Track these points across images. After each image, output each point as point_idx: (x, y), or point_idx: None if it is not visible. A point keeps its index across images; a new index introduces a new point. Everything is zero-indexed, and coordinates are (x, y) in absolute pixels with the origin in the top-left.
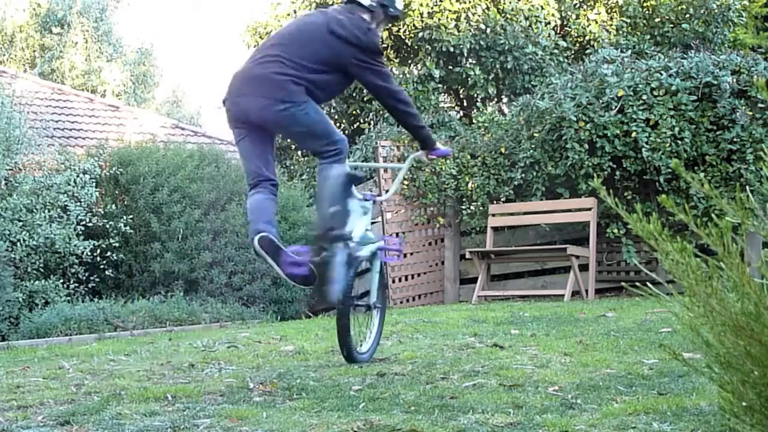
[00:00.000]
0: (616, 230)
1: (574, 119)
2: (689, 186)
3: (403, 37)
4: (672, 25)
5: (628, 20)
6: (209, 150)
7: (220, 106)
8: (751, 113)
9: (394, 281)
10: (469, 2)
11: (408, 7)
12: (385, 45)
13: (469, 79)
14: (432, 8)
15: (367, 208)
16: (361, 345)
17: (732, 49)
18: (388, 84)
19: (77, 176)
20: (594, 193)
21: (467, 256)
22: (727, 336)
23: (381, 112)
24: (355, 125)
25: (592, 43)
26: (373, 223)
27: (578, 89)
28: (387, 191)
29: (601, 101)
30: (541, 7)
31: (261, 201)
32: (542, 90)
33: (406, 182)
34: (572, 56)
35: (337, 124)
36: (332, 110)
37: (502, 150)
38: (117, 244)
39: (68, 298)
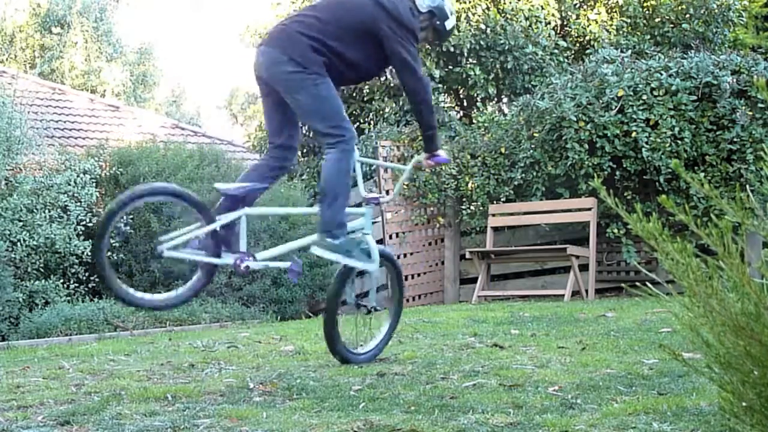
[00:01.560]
0: (616, 230)
1: (574, 119)
2: (689, 186)
3: None
4: (672, 25)
5: (628, 20)
6: (209, 150)
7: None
8: (751, 113)
9: None
10: (469, 2)
11: None
12: None
13: (469, 79)
14: None
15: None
16: (360, 346)
17: (732, 49)
18: (415, 65)
19: (77, 176)
20: (594, 193)
21: (467, 256)
22: (727, 336)
23: (381, 112)
24: (355, 125)
25: (592, 43)
26: (372, 223)
27: (578, 89)
28: (387, 193)
29: (601, 101)
30: (541, 7)
31: (253, 165)
32: (542, 90)
33: (405, 182)
34: (572, 56)
35: None
36: None
37: (502, 150)
38: (117, 244)
39: (68, 298)
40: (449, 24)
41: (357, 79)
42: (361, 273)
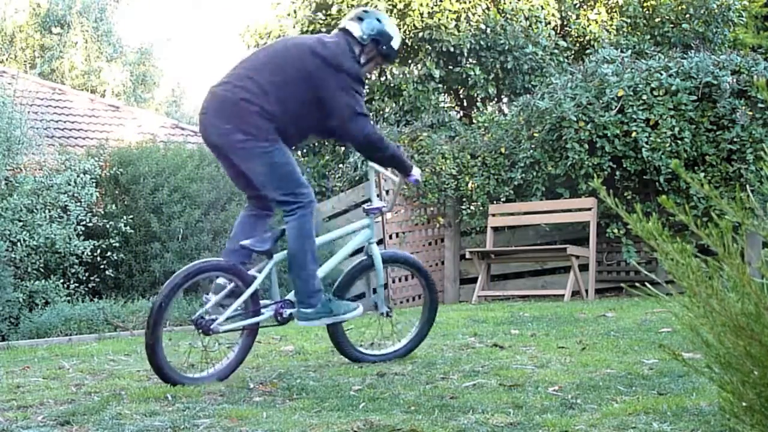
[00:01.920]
0: (616, 230)
1: (574, 119)
2: (689, 186)
3: (403, 37)
4: (672, 25)
5: (628, 20)
6: (209, 150)
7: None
8: (751, 113)
9: (394, 281)
10: (469, 2)
11: (408, 7)
12: None
13: (469, 79)
14: (432, 8)
15: (363, 225)
16: (383, 346)
17: (732, 49)
18: (360, 112)
19: (77, 176)
20: (594, 193)
21: (467, 256)
22: (727, 336)
23: (381, 112)
24: None
25: (592, 43)
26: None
27: (578, 89)
28: (387, 193)
29: (601, 101)
30: (541, 7)
31: (239, 219)
32: (542, 90)
33: (405, 182)
34: (572, 56)
35: None
36: None
37: (502, 150)
38: (117, 244)
39: (68, 298)
40: (395, 44)
41: (300, 139)
42: (369, 270)
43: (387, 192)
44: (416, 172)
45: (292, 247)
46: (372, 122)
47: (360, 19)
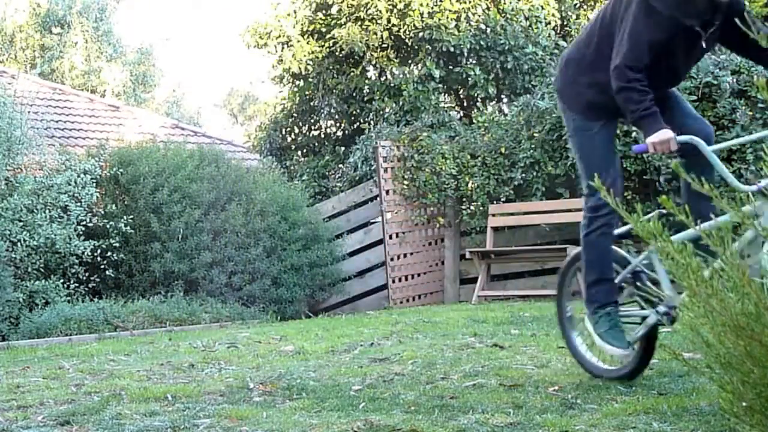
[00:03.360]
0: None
1: None
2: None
3: (403, 37)
4: None
5: None
6: (209, 150)
7: None
8: (751, 113)
9: (394, 281)
10: (469, 2)
11: (408, 7)
12: (385, 45)
13: (469, 79)
14: (432, 8)
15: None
16: None
17: None
18: (618, 48)
19: (78, 176)
20: None
21: (467, 256)
22: (727, 336)
23: (381, 112)
24: (355, 125)
25: None
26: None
27: None
28: (388, 193)
29: None
30: (541, 7)
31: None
32: (542, 90)
33: (405, 182)
34: None
35: (337, 124)
36: (332, 110)
37: (502, 150)
38: (117, 244)
39: (68, 298)
40: None
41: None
42: None
43: (388, 192)
44: (650, 138)
45: (581, 247)
46: (631, 71)
47: None
